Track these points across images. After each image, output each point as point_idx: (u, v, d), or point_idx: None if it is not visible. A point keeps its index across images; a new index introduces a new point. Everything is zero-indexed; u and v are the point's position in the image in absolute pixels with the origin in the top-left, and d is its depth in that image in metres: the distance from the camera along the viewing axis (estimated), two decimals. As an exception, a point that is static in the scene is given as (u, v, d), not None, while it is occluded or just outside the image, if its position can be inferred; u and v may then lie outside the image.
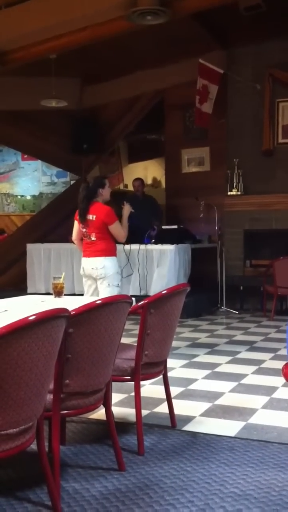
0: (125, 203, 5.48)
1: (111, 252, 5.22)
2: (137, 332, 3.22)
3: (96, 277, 5.19)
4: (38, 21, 6.58)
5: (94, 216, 5.10)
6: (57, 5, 6.44)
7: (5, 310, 2.97)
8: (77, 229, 5.30)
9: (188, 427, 3.53)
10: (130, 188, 10.73)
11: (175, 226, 8.66)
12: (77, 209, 5.25)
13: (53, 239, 9.40)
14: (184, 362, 5.33)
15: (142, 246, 8.04)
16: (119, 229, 5.17)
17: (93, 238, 5.17)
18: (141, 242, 8.12)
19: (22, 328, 2.05)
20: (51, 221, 10.49)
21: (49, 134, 10.39)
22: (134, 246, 7.98)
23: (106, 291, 5.11)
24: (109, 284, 5.14)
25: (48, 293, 7.05)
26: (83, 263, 5.30)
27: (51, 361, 2.28)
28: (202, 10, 6.85)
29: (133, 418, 3.31)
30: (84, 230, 5.19)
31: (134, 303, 2.98)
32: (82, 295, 5.75)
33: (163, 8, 5.89)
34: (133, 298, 2.92)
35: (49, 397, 2.53)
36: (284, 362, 4.76)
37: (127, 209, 5.37)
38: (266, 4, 7.47)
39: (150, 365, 3.27)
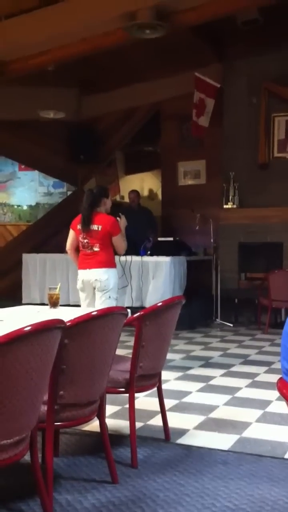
0: (121, 215, 5.35)
1: (112, 264, 5.12)
2: (131, 343, 3.21)
3: (99, 288, 5.02)
4: (37, 32, 6.63)
5: (100, 227, 4.97)
6: (56, 17, 6.49)
7: (1, 320, 2.96)
8: (73, 238, 5.16)
9: (182, 440, 3.52)
10: (127, 200, 10.75)
11: (171, 238, 8.66)
12: (73, 218, 5.15)
13: (49, 249, 9.38)
14: (179, 374, 5.32)
15: (138, 258, 8.03)
16: (121, 241, 5.06)
17: (95, 249, 5.01)
18: (136, 254, 8.11)
19: (17, 339, 2.05)
20: (47, 231, 10.49)
21: (46, 144, 10.40)
22: (130, 258, 7.97)
23: (105, 303, 4.94)
24: (109, 297, 5.01)
25: (43, 304, 7.03)
26: (82, 275, 5.11)
27: (46, 372, 2.28)
28: (200, 24, 6.91)
29: (127, 430, 3.30)
30: (85, 240, 5.03)
31: (129, 315, 2.98)
32: (77, 306, 5.69)
33: (161, 22, 5.94)
34: (129, 310, 2.92)
35: (43, 408, 2.52)
36: (279, 376, 4.75)
37: (123, 222, 5.25)
38: (263, 18, 7.54)
39: (145, 377, 3.26)
